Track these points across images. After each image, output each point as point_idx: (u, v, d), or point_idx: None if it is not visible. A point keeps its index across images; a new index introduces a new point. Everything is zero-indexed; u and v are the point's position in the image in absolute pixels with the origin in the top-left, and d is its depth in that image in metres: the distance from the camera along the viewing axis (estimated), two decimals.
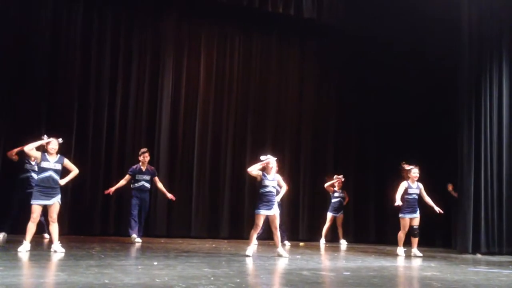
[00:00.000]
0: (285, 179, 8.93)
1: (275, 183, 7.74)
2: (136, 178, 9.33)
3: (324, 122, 12.76)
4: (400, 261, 8.21)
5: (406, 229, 8.88)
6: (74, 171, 7.45)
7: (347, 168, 12.52)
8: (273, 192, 7.65)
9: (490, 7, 10.30)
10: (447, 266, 7.46)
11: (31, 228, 7.02)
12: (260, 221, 7.57)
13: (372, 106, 12.70)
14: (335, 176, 11.31)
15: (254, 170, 7.60)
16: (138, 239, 9.06)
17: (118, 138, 10.86)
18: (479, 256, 9.39)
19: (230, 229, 11.42)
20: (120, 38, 11.03)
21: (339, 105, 12.83)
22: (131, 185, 9.37)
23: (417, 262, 7.96)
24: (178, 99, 11.45)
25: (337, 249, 10.04)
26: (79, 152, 10.21)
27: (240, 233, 11.25)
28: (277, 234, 7.67)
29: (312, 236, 11.59)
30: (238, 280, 5.11)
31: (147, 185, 9.39)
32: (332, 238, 11.55)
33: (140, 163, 9.39)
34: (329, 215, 11.24)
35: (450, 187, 10.94)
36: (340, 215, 11.29)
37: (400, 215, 8.93)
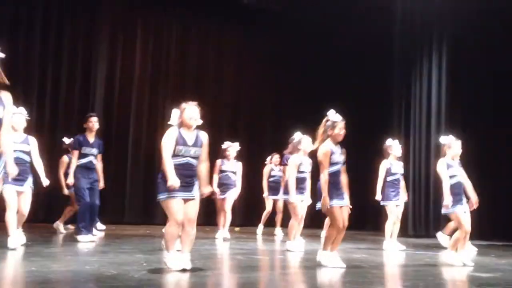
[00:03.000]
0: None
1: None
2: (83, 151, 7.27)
3: (262, 106, 12.78)
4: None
5: None
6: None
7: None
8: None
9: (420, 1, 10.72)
10: (376, 249, 7.73)
11: None
12: (298, 209, 6.86)
13: (310, 92, 12.75)
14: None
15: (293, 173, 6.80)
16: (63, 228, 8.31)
17: (48, 125, 10.54)
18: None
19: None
20: (51, 25, 10.59)
21: (278, 91, 12.88)
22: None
23: (347, 245, 8.13)
24: (112, 90, 11.21)
25: (271, 234, 10.08)
26: None
27: None
28: None
29: (247, 222, 11.60)
30: None
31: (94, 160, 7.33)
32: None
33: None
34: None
35: None
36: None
37: None
